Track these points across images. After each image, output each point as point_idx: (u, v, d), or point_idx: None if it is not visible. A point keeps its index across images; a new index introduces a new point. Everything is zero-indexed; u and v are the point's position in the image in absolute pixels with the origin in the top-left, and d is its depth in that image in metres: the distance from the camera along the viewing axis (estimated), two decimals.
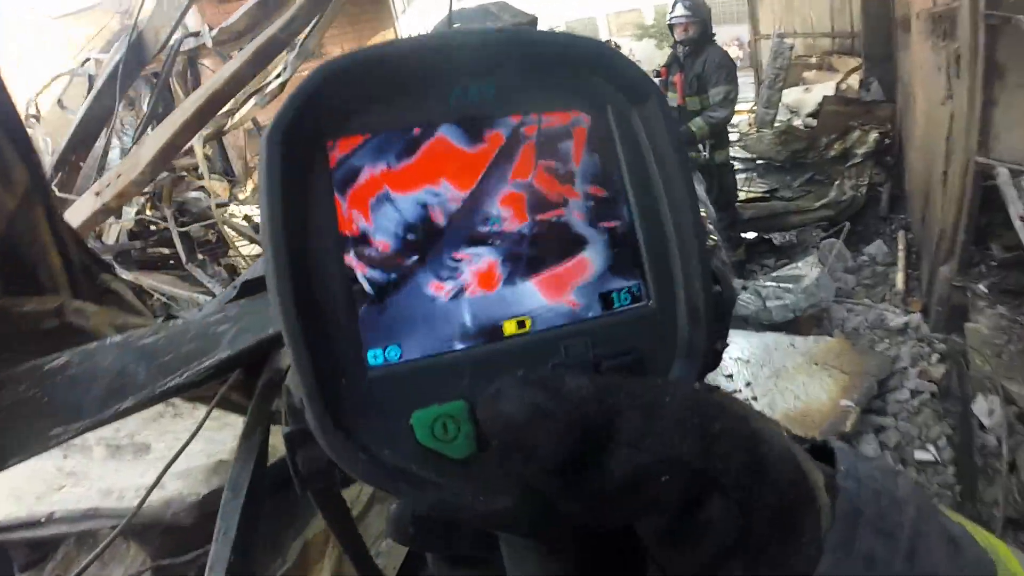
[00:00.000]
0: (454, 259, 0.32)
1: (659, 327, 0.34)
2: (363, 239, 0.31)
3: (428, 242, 0.32)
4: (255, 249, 4.85)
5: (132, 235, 4.40)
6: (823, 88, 7.57)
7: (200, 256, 4.54)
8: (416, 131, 0.32)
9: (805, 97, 7.80)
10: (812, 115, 7.32)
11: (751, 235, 5.29)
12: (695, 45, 4.71)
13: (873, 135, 6.06)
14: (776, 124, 7.52)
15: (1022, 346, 2.86)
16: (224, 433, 2.44)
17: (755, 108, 8.49)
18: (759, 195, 6.06)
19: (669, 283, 0.34)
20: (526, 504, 0.30)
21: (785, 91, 7.76)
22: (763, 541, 0.27)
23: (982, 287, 3.23)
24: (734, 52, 12.27)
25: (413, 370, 0.31)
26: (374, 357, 0.31)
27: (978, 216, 3.26)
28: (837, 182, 5.59)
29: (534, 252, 0.33)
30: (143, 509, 2.08)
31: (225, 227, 4.79)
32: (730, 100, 4.62)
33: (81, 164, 3.43)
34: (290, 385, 0.33)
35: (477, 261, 0.32)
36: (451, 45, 0.33)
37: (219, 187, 7.10)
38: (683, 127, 4.55)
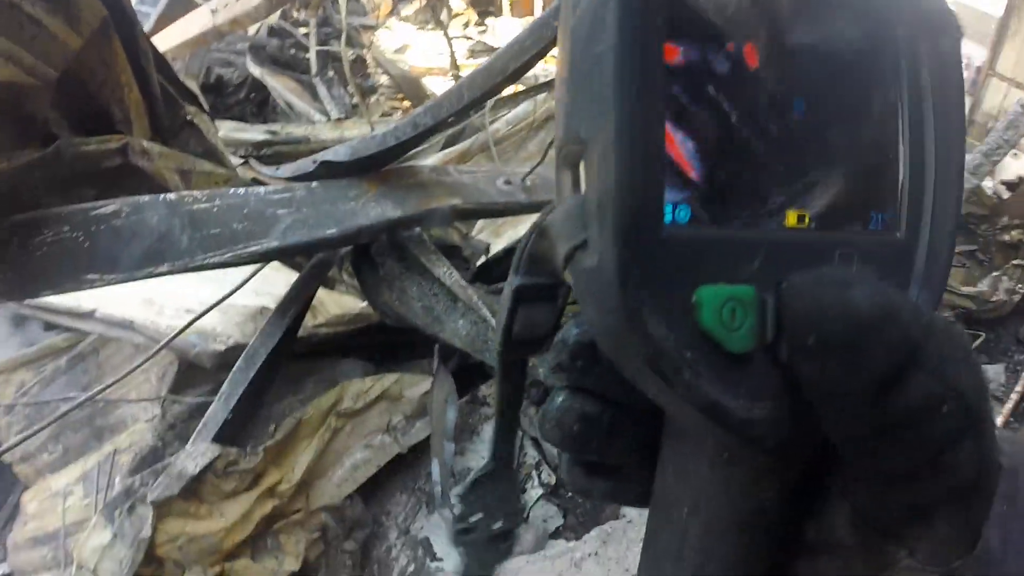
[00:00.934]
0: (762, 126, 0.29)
1: (901, 260, 0.33)
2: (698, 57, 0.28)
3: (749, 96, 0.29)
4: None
5: (272, 31, 4.23)
6: None
7: (331, 73, 4.35)
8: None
9: (1009, 162, 6.81)
10: (1008, 185, 6.41)
11: None
12: None
13: None
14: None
15: None
16: (283, 275, 2.40)
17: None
18: None
19: (918, 219, 0.33)
20: (784, 414, 0.27)
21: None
22: (978, 491, 0.27)
23: None
24: None
25: (706, 238, 0.28)
26: (668, 212, 0.26)
27: None
28: (995, 274, 4.91)
29: (816, 147, 0.31)
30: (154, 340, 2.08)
31: (366, 51, 4.59)
32: None
33: None
34: (554, 225, 0.28)
35: (772, 141, 0.30)
36: None
37: None
38: None
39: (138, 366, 1.71)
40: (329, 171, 1.68)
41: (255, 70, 3.94)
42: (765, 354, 0.27)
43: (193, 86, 2.64)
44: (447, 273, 1.78)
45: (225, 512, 1.56)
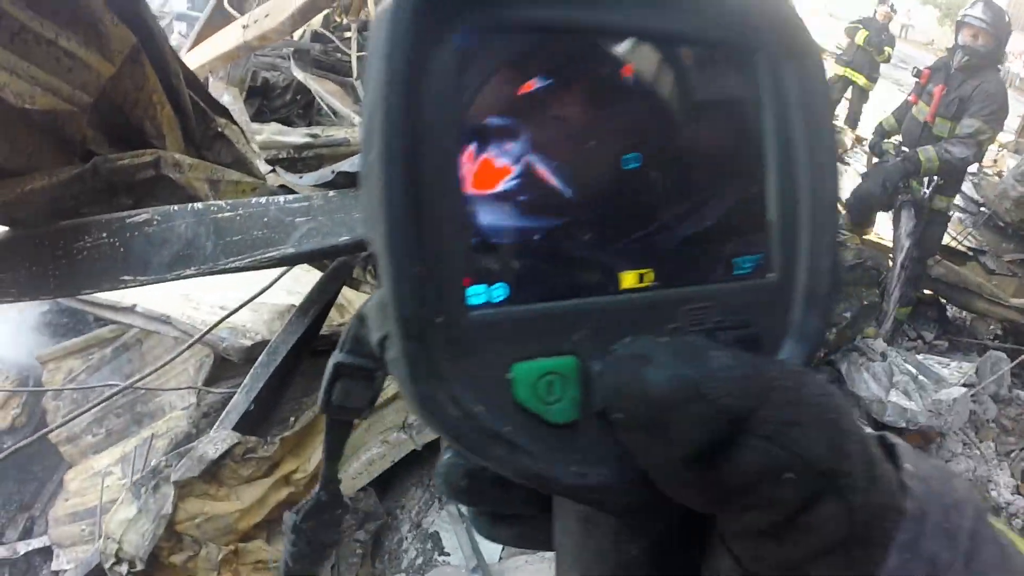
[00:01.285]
0: (582, 197, 0.28)
1: (776, 304, 0.32)
2: (486, 166, 0.27)
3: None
4: None
5: (316, 36, 4.39)
6: None
7: None
8: (571, 44, 0.28)
9: None
10: None
11: (927, 292, 4.65)
12: (976, 60, 3.86)
13: None
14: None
15: None
16: (313, 275, 2.54)
17: (1017, 140, 7.29)
18: (963, 250, 5.27)
19: (793, 258, 0.32)
20: (622, 480, 0.27)
21: None
22: (858, 543, 0.26)
23: None
24: (1017, 67, 10.43)
25: (520, 315, 0.27)
26: (476, 295, 0.27)
27: None
28: None
29: (662, 200, 0.30)
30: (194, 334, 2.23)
31: None
32: (977, 142, 3.78)
33: None
34: (369, 313, 0.30)
35: (604, 202, 0.29)
36: None
37: None
38: (912, 152, 3.87)
39: (171, 359, 1.86)
40: (347, 180, 1.79)
41: (299, 74, 4.10)
42: (601, 419, 0.27)
43: (234, 94, 2.79)
44: None
45: (242, 495, 1.69)
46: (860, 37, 6.56)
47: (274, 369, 1.87)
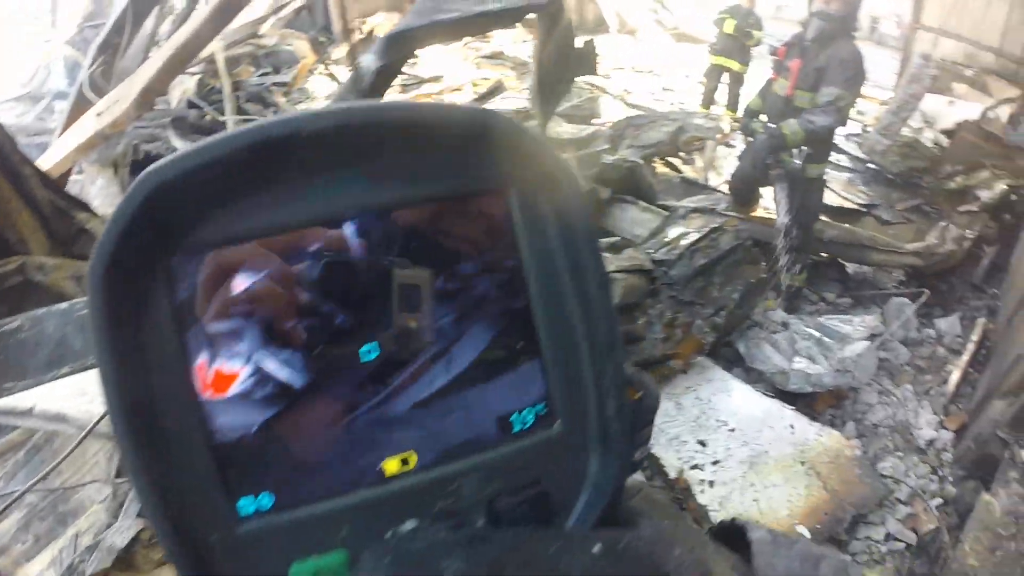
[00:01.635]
0: (325, 392, 0.27)
1: (566, 453, 0.30)
2: (218, 374, 0.27)
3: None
4: None
5: (190, 104, 4.41)
6: (968, 108, 6.75)
7: None
8: (274, 239, 0.27)
9: (946, 111, 6.99)
10: (947, 133, 6.58)
11: (824, 255, 4.86)
12: (831, 26, 3.99)
13: (1002, 185, 5.33)
14: (904, 132, 6.73)
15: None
16: None
17: (890, 101, 7.73)
18: (855, 207, 5.54)
19: (579, 401, 0.30)
20: None
21: (927, 97, 6.93)
22: None
23: None
24: (891, 28, 11.03)
25: (289, 519, 0.27)
26: (245, 507, 0.27)
27: None
28: (943, 224, 5.02)
29: (416, 373, 0.28)
30: (99, 425, 2.24)
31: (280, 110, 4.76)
32: (838, 108, 3.93)
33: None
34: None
35: (351, 393, 0.27)
36: (301, 133, 0.27)
37: (305, 48, 6.95)
38: (775, 127, 4.06)
39: (65, 456, 1.87)
40: None
41: (177, 142, 4.11)
42: None
43: (108, 176, 2.81)
44: None
45: None
46: (728, 26, 6.89)
47: None
